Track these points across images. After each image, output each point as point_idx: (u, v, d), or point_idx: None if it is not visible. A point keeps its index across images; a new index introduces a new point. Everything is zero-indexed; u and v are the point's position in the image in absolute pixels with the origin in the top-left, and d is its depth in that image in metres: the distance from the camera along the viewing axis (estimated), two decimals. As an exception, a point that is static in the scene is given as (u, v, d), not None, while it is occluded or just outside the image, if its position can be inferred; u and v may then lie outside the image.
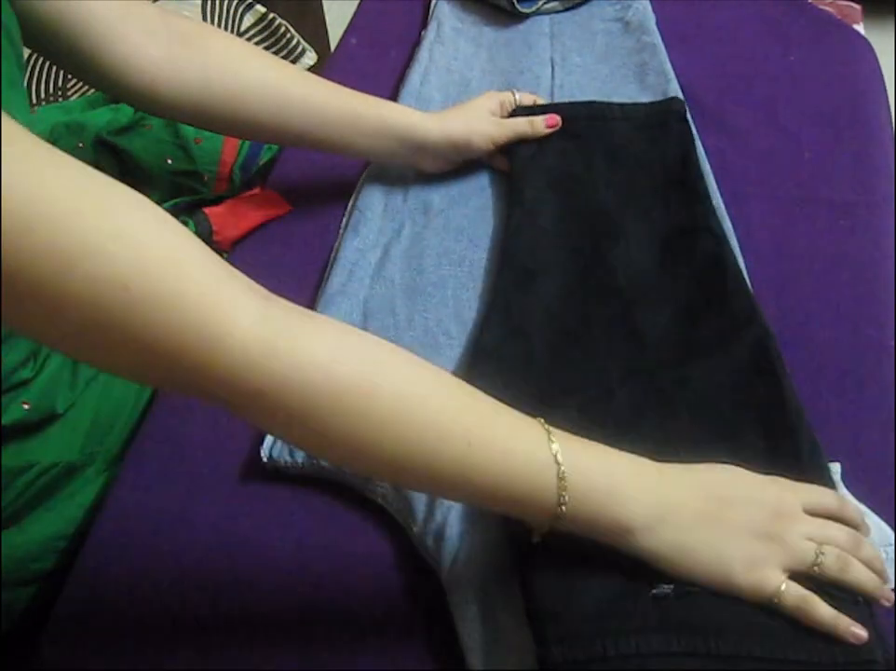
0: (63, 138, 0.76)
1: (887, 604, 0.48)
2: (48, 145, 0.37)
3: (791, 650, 0.45)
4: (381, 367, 0.44)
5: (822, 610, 0.46)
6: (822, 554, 0.47)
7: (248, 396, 0.40)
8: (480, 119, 0.77)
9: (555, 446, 0.45)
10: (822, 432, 0.59)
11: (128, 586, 0.58)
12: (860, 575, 0.48)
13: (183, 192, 0.80)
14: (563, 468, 0.44)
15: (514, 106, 0.80)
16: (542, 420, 0.47)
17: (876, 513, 0.55)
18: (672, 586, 0.47)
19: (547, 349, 0.64)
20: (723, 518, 0.47)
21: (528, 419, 0.46)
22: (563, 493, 0.44)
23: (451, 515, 0.55)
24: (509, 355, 0.63)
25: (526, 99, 0.81)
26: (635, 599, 0.47)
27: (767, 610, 0.47)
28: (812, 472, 0.53)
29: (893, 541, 0.53)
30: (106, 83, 0.65)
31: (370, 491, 0.59)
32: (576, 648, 0.45)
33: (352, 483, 0.60)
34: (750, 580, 0.46)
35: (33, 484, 0.63)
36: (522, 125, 0.77)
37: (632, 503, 0.46)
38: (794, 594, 0.46)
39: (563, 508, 0.44)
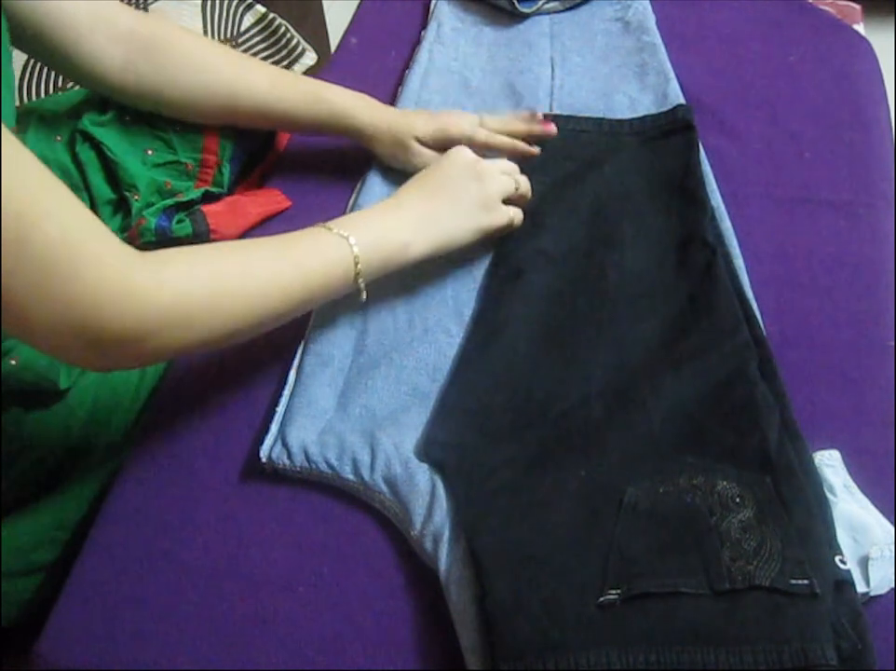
0: (37, 130, 0.74)
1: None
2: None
3: (735, 656, 0.45)
4: (226, 274, 0.55)
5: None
6: (517, 180, 0.72)
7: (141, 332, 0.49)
8: (414, 114, 0.81)
9: (347, 237, 0.61)
10: (823, 431, 0.59)
11: (128, 586, 0.58)
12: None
13: (167, 190, 0.78)
14: (355, 248, 0.60)
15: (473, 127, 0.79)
16: (323, 224, 0.62)
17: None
18: (618, 592, 0.48)
19: (530, 351, 0.64)
20: (452, 197, 0.67)
21: (315, 231, 0.62)
22: (357, 259, 0.61)
23: (449, 519, 0.55)
24: (494, 355, 0.64)
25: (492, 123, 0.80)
26: (581, 608, 0.48)
27: (718, 607, 0.47)
28: (780, 466, 0.54)
29: (894, 540, 0.53)
30: (77, 79, 0.75)
31: (367, 497, 0.59)
32: (518, 662, 0.47)
33: (349, 489, 0.60)
34: (490, 218, 0.69)
35: (32, 468, 0.63)
36: (455, 125, 0.78)
37: (402, 233, 0.64)
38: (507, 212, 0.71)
39: (359, 265, 0.61)
